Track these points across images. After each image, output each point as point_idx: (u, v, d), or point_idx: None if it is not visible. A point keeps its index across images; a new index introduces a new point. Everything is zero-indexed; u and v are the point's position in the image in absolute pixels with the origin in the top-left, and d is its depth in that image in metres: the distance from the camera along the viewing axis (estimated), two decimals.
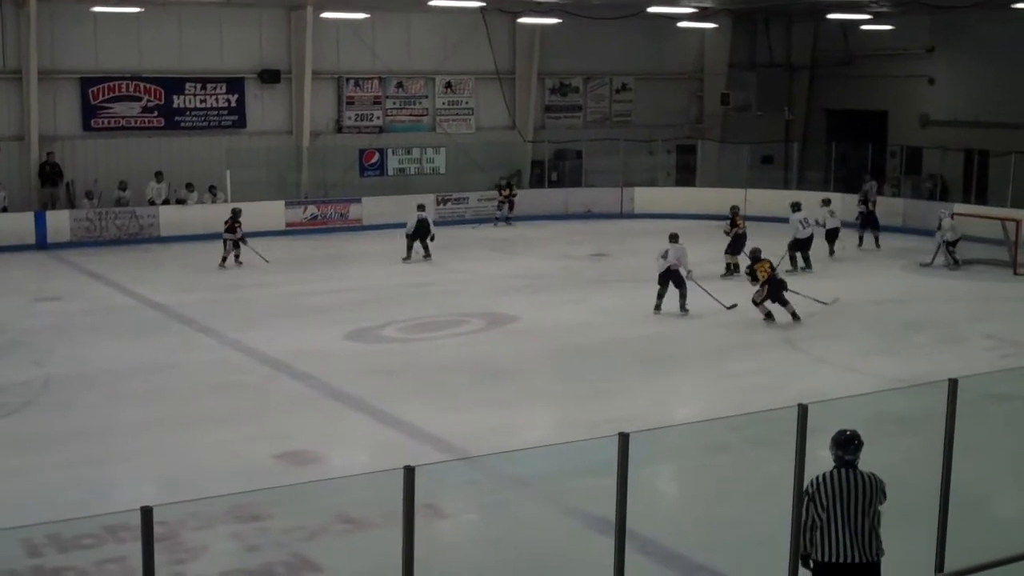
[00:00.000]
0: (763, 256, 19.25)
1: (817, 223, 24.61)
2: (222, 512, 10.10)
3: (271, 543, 9.90)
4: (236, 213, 24.42)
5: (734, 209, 24.00)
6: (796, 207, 24.35)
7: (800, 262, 23.85)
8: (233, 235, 24.18)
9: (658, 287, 19.46)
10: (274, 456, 12.09)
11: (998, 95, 31.84)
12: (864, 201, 27.84)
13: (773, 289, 18.70)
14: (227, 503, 9.88)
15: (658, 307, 19.42)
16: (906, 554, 7.45)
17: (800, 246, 23.91)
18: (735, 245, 23.11)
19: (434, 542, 9.87)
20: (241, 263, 24.25)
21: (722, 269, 23.07)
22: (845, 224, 26.33)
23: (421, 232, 25.38)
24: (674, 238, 19.90)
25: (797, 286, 19.81)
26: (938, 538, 8.00)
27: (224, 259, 24.22)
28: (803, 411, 7.23)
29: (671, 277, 19.37)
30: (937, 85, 34.05)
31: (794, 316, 18.67)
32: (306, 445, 12.59)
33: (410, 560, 6.12)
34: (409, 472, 5.99)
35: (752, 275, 19.07)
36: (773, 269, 19.19)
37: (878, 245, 26.87)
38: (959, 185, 31.60)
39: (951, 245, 24.51)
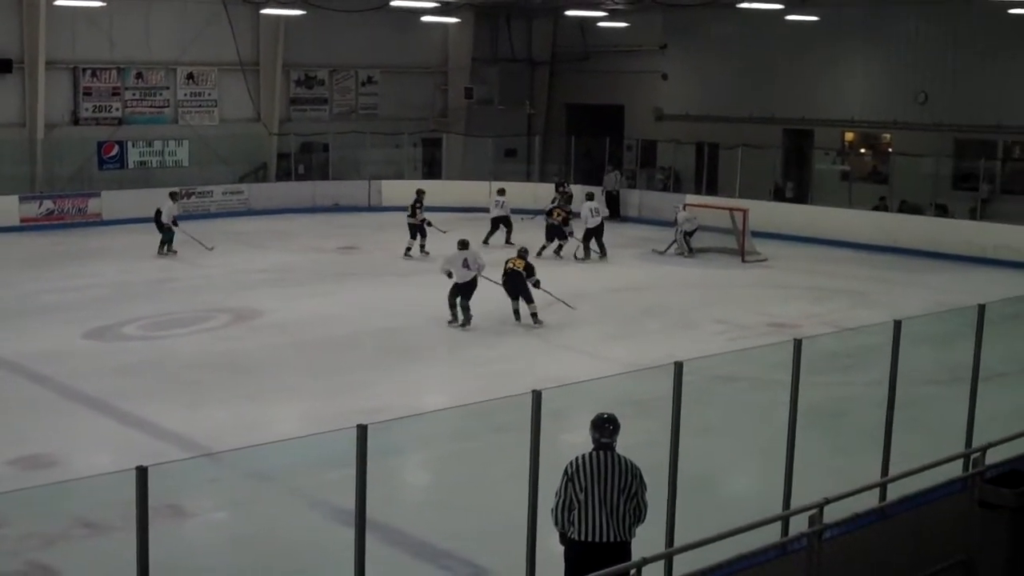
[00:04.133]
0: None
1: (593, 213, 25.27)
2: None
3: (6, 552, 9.57)
4: None
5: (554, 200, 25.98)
6: (589, 196, 25.95)
7: (595, 249, 24.94)
8: None
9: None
10: (8, 462, 11.67)
11: (727, 90, 33.39)
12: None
13: (511, 283, 18.59)
14: None
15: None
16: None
17: (591, 235, 24.90)
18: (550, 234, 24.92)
19: (179, 542, 9.77)
20: None
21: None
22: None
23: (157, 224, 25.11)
24: (464, 244, 19.02)
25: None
26: (668, 514, 8.36)
27: None
28: (537, 397, 7.44)
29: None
30: (670, 81, 35.40)
31: (533, 317, 18.38)
32: (43, 449, 12.19)
33: (145, 563, 6.05)
34: (142, 472, 5.88)
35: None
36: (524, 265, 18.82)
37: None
38: (691, 176, 33.00)
39: (688, 235, 25.69)
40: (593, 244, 24.98)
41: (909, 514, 8.36)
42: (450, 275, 18.49)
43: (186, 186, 30.28)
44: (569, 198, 29.04)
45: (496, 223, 26.57)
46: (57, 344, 16.84)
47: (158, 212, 24.98)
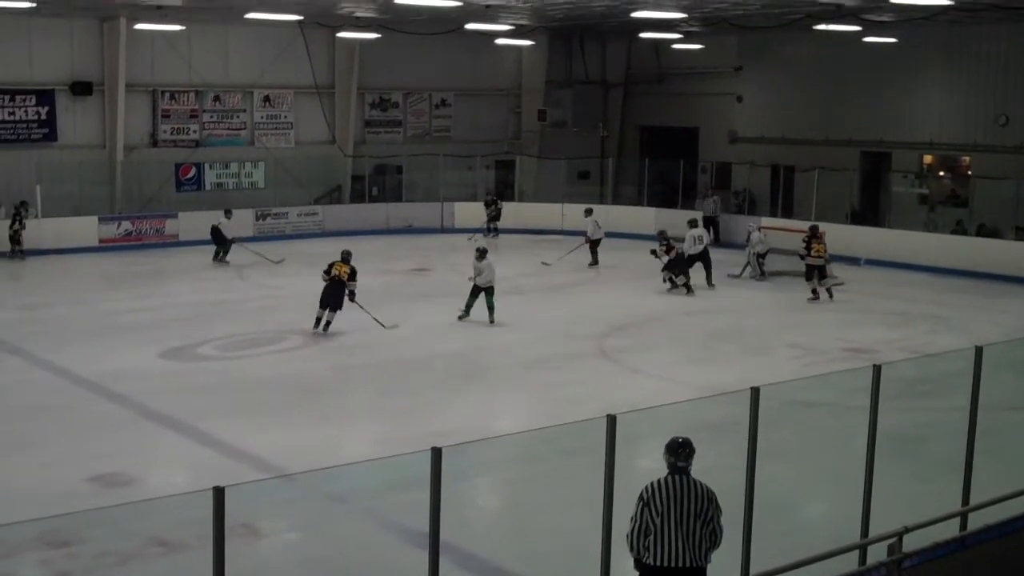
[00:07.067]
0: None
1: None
2: (31, 538, 9.81)
3: (82, 569, 9.68)
4: None
5: (662, 233, 24.78)
6: (692, 223, 25.42)
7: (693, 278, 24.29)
8: None
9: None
10: (86, 479, 11.80)
11: (802, 113, 33.12)
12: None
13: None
14: (36, 528, 9.60)
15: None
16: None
17: (691, 261, 24.24)
18: (678, 264, 23.91)
19: (252, 562, 9.80)
20: None
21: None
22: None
23: (215, 237, 26.64)
24: None
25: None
26: (743, 542, 8.26)
27: None
28: (612, 421, 7.39)
29: None
30: (745, 103, 35.19)
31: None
32: (120, 467, 12.31)
33: None
34: (219, 492, 5.89)
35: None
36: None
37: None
38: (766, 199, 32.73)
39: (760, 257, 25.46)
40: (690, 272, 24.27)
41: (990, 544, 8.20)
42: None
43: (262, 207, 30.76)
44: (497, 214, 31.43)
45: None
46: (134, 364, 17.03)
47: (216, 228, 26.93)
